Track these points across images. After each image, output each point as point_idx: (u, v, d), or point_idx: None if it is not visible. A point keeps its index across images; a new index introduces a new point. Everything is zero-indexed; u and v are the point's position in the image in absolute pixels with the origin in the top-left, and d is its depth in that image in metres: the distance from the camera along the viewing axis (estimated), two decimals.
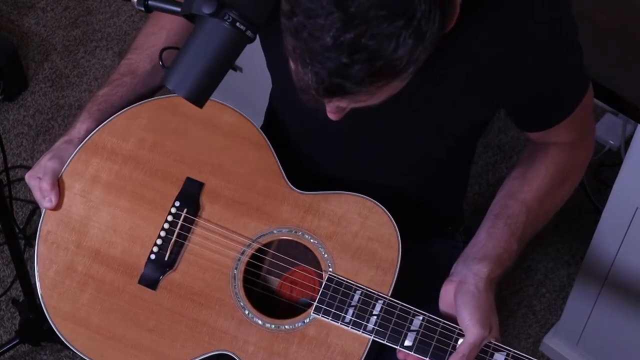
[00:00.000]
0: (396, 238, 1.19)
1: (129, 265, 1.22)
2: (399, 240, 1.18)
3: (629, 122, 2.18)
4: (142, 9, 1.11)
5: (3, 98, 2.60)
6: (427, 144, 1.23)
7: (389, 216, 1.20)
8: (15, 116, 2.59)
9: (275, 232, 1.22)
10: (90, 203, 1.26)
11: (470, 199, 2.34)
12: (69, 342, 1.20)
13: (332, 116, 1.03)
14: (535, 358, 1.09)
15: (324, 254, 1.19)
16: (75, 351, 1.20)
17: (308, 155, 1.33)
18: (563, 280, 2.21)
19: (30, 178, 1.27)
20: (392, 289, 1.16)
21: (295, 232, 1.21)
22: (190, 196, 1.24)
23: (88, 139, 1.28)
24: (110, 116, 1.29)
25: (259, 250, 1.22)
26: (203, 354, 1.18)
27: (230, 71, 1.10)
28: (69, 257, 1.23)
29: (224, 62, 1.07)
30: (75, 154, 1.27)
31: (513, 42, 1.07)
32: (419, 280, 1.30)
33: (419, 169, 1.30)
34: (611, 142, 2.37)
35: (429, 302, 1.16)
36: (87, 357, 1.20)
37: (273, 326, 1.16)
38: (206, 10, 1.03)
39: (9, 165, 2.30)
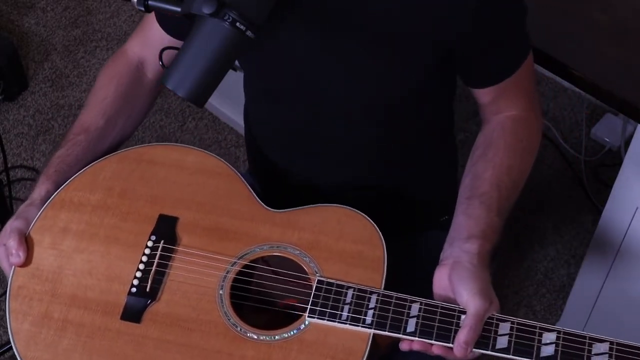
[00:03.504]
0: (378, 237, 1.19)
1: (108, 303, 1.18)
2: (382, 238, 1.18)
3: (629, 122, 2.18)
4: (142, 8, 1.11)
5: (3, 98, 2.60)
6: (387, 80, 1.23)
7: (367, 219, 1.21)
8: (15, 116, 2.60)
9: (257, 249, 1.21)
10: (62, 253, 1.22)
11: None
12: None
13: None
14: (539, 324, 1.08)
15: (309, 263, 1.18)
16: None
17: (286, 129, 1.36)
18: (563, 280, 2.21)
19: None
20: (383, 285, 1.15)
21: (277, 247, 1.20)
22: (166, 230, 1.23)
23: (54, 197, 1.26)
24: (68, 176, 1.28)
25: (243, 268, 1.20)
26: None
27: (230, 71, 1.10)
28: (44, 307, 1.18)
29: (224, 62, 1.07)
30: (42, 211, 1.25)
31: None
32: (417, 275, 1.30)
33: (392, 123, 1.31)
34: (611, 142, 2.37)
35: (428, 297, 1.15)
36: None
37: (268, 337, 1.13)
38: (206, 10, 1.03)
39: (9, 165, 2.31)
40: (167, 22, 1.32)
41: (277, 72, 1.28)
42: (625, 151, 1.64)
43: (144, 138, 2.55)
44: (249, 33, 1.06)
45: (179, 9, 1.08)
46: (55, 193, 1.27)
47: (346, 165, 1.36)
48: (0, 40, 2.63)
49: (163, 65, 1.16)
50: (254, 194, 1.26)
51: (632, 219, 1.62)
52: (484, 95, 1.27)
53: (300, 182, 1.40)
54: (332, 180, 1.37)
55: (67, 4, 2.91)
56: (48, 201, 1.26)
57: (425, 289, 1.16)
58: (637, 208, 1.60)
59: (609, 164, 2.35)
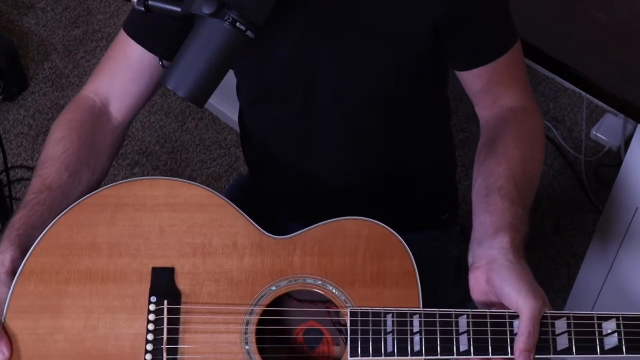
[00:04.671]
0: (402, 246, 1.08)
1: None
2: (407, 247, 1.08)
3: (629, 122, 2.18)
4: (142, 9, 1.11)
5: (3, 98, 2.60)
6: (379, 64, 1.22)
7: (384, 227, 1.10)
8: (15, 116, 2.60)
9: (273, 288, 1.07)
10: (51, 337, 1.05)
11: (469, 199, 2.34)
12: None
13: None
14: (594, 313, 1.01)
15: (334, 292, 1.06)
16: None
17: (283, 128, 1.35)
18: (563, 280, 2.21)
19: None
20: (421, 300, 1.05)
21: (295, 280, 1.07)
22: (165, 285, 1.08)
23: (22, 268, 1.08)
24: (34, 239, 1.10)
25: (264, 314, 1.07)
26: None
27: (230, 71, 1.11)
28: None
29: (224, 62, 1.07)
30: (12, 290, 1.07)
31: None
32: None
33: (388, 121, 1.30)
34: (611, 142, 2.37)
35: (436, 305, 1.11)
36: None
37: None
38: (206, 10, 1.03)
39: (9, 165, 2.30)
40: (156, 42, 1.26)
41: (272, 72, 1.27)
42: (625, 151, 1.64)
43: (144, 138, 2.55)
44: (249, 33, 1.06)
45: (179, 9, 1.08)
46: (22, 264, 1.08)
47: (344, 164, 1.36)
48: (0, 40, 2.63)
49: (163, 65, 1.16)
50: (251, 220, 1.12)
51: (632, 219, 1.62)
52: (475, 81, 1.24)
53: (299, 182, 1.40)
54: (331, 180, 1.37)
55: (67, 4, 2.91)
56: (16, 275, 1.08)
57: (423, 286, 1.15)
58: (637, 208, 1.60)
59: (609, 164, 2.35)
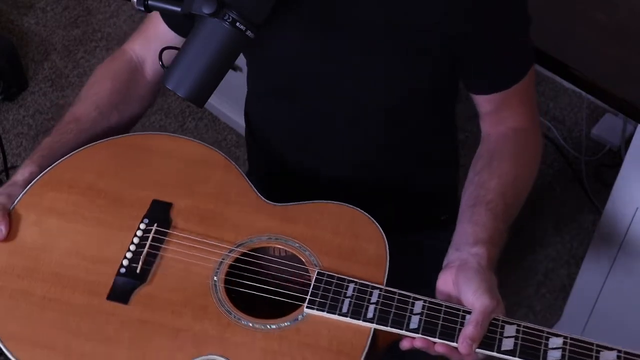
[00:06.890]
0: (380, 233, 1.17)
1: (95, 283, 1.14)
2: (383, 235, 1.16)
3: (629, 122, 2.19)
4: (142, 8, 1.11)
5: (3, 98, 2.61)
6: (390, 78, 1.23)
7: (367, 215, 1.19)
8: (15, 116, 2.60)
9: (255, 240, 1.18)
10: (47, 231, 1.19)
11: None
12: None
13: None
14: (546, 328, 1.05)
15: (309, 256, 1.15)
16: None
17: (289, 128, 1.36)
18: (563, 280, 2.21)
19: None
20: (385, 282, 1.12)
21: (276, 238, 1.17)
22: (159, 214, 1.20)
23: (43, 175, 1.24)
24: (54, 161, 1.25)
25: (241, 257, 1.17)
26: None
27: (230, 71, 1.10)
28: (25, 283, 1.14)
29: (224, 62, 1.08)
30: (29, 188, 1.22)
31: None
32: (414, 273, 1.30)
33: (394, 121, 1.31)
34: (611, 142, 2.37)
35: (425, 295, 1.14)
36: None
37: (263, 326, 1.09)
38: (206, 10, 1.03)
39: (9, 165, 2.30)
40: (173, 19, 1.31)
41: (280, 71, 1.28)
42: (625, 151, 1.64)
43: None
44: (248, 33, 1.06)
45: (178, 9, 1.09)
46: (44, 172, 1.24)
47: (347, 163, 1.36)
48: (0, 40, 2.63)
49: (163, 65, 1.16)
50: (253, 186, 1.24)
51: (632, 219, 1.62)
52: (485, 103, 1.27)
53: (301, 181, 1.40)
54: (333, 179, 1.37)
55: (67, 4, 2.92)
56: (36, 179, 1.23)
57: (422, 287, 1.16)
58: (637, 208, 1.60)
59: (609, 164, 2.35)
